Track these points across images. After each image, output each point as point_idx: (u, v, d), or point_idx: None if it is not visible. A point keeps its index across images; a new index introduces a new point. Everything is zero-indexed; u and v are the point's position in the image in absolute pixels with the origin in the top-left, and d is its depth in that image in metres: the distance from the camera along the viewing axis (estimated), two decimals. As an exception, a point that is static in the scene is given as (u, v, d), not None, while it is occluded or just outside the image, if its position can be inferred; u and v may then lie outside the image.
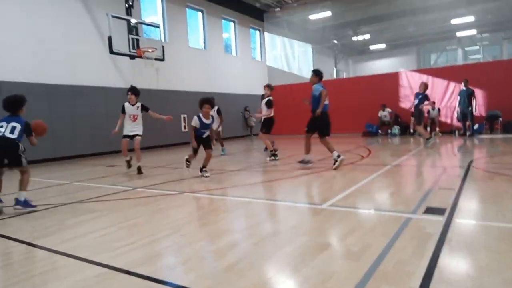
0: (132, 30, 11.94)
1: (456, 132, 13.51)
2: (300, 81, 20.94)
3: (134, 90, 7.58)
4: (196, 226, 3.79)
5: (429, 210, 3.72)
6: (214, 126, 9.27)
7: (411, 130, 14.42)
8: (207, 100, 6.45)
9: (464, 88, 12.58)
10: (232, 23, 19.50)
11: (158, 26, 12.99)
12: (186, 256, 2.89)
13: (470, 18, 21.99)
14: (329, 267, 2.50)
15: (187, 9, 16.33)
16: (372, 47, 30.87)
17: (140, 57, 12.04)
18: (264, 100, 9.12)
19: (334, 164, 6.75)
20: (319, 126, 6.97)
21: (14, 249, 3.33)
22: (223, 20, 18.62)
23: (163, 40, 14.10)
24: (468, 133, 12.65)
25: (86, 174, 7.62)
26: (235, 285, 2.32)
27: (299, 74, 24.39)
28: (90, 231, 3.72)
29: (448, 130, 14.13)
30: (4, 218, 4.40)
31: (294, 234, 3.28)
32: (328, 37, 26.72)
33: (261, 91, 9.58)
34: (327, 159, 8.40)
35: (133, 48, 11.87)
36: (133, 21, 11.95)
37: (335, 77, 29.19)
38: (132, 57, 12.10)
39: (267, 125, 9.04)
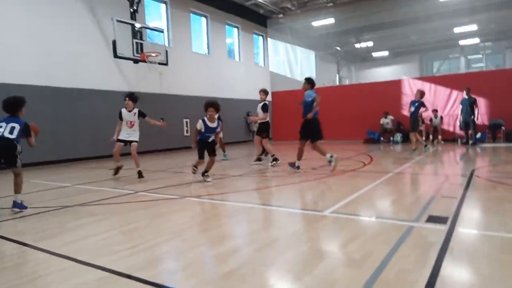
0: (137, 34, 12.01)
1: (459, 141, 13.49)
2: (301, 88, 21.00)
3: (131, 96, 7.56)
4: (197, 231, 3.79)
5: (431, 219, 3.70)
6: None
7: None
8: (211, 103, 6.35)
9: (466, 97, 12.58)
10: (235, 29, 19.60)
11: (162, 31, 13.08)
12: (187, 261, 2.89)
13: (473, 27, 22.05)
14: (331, 275, 2.49)
15: (191, 14, 16.43)
16: (374, 54, 30.94)
17: (144, 61, 12.10)
18: (260, 105, 9.21)
19: (330, 164, 7.01)
20: (311, 131, 7.19)
21: (15, 251, 3.33)
22: (226, 26, 18.72)
23: (167, 44, 14.19)
24: (470, 141, 12.63)
25: (87, 177, 7.63)
26: (236, 291, 2.31)
27: (301, 80, 24.32)
28: (91, 234, 3.72)
29: (450, 138, 14.11)
30: (5, 220, 4.41)
31: (296, 241, 3.27)
32: (331, 44, 26.80)
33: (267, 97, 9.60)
34: (328, 165, 8.39)
35: (137, 52, 11.93)
36: (138, 25, 12.03)
37: (337, 83, 29.23)
38: (135, 61, 12.16)
39: (265, 130, 9.14)
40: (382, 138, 15.51)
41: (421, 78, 16.80)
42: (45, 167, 10.43)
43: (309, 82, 7.48)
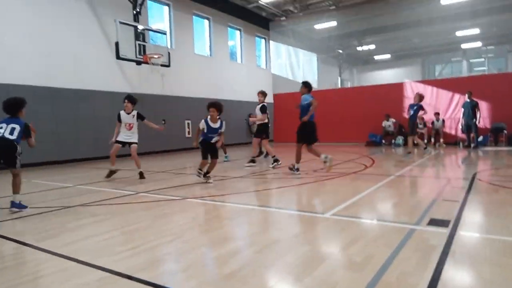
0: (139, 36, 12.06)
1: (461, 144, 13.46)
2: (305, 90, 20.99)
3: (130, 98, 7.56)
4: (198, 232, 3.79)
5: (433, 222, 3.69)
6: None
7: (415, 141, 14.38)
8: (212, 104, 6.42)
9: (468, 100, 12.58)
10: (238, 31, 19.64)
11: (165, 33, 13.11)
12: (188, 262, 2.89)
13: (475, 31, 22.03)
14: (331, 277, 2.48)
15: (193, 16, 16.48)
16: (377, 57, 30.92)
17: (146, 63, 12.14)
18: (258, 106, 9.31)
19: (325, 164, 7.23)
20: (307, 134, 7.38)
21: (16, 250, 3.34)
22: (229, 28, 18.76)
23: (169, 46, 14.22)
24: (472, 145, 12.61)
25: (89, 178, 7.64)
26: (236, 292, 2.31)
27: (303, 82, 24.39)
28: (92, 234, 3.72)
29: (452, 142, 14.09)
30: (6, 220, 4.42)
31: (296, 243, 3.27)
32: (333, 47, 26.81)
33: (266, 98, 9.67)
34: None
35: (140, 54, 11.97)
36: (140, 27, 12.08)
37: (339, 86, 29.24)
38: (138, 62, 12.20)
39: (264, 131, 9.25)
40: (384, 141, 15.50)
41: (423, 81, 16.78)
42: (47, 167, 10.45)
43: (306, 86, 7.62)
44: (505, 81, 14.04)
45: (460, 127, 13.25)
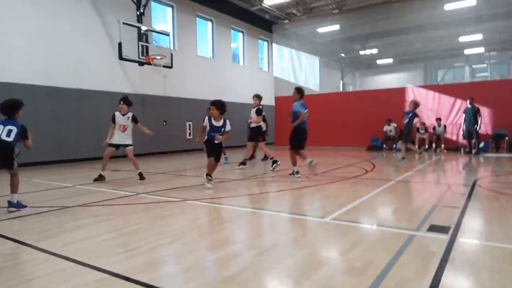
0: (142, 37, 12.09)
1: (462, 150, 13.44)
2: (306, 93, 21.02)
3: (126, 100, 7.50)
4: (198, 234, 3.78)
5: (433, 228, 3.68)
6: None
7: (416, 146, 14.36)
8: (212, 102, 6.31)
9: (470, 106, 12.57)
10: (240, 34, 19.68)
11: (168, 34, 13.14)
12: (187, 264, 2.88)
13: (478, 36, 22.04)
14: (331, 282, 2.47)
15: (197, 18, 16.52)
16: (379, 61, 30.95)
17: (149, 64, 12.16)
18: (254, 109, 9.41)
19: (309, 165, 7.48)
20: (299, 139, 7.57)
21: (15, 250, 3.34)
22: (232, 30, 18.80)
23: (172, 47, 14.26)
24: (473, 151, 12.58)
25: (89, 178, 7.64)
26: (234, 296, 2.30)
27: (305, 85, 24.45)
28: (91, 235, 3.72)
29: (453, 147, 14.06)
30: (5, 219, 4.42)
31: (296, 247, 3.26)
32: (335, 50, 26.84)
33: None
34: (331, 171, 8.39)
35: (142, 54, 12.00)
36: (144, 28, 12.11)
37: (341, 90, 29.25)
38: (140, 63, 12.22)
39: (259, 134, 9.38)
40: (385, 146, 15.48)
41: (425, 86, 16.77)
42: (47, 167, 10.46)
43: (299, 92, 7.71)
44: (507, 88, 14.03)
45: (462, 133, 13.23)
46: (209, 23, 17.54)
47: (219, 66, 17.81)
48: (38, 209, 4.90)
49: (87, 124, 11.93)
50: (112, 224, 4.17)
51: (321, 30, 20.51)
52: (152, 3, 14.11)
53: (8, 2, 10.12)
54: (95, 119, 12.07)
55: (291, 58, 23.74)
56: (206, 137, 6.42)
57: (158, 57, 12.18)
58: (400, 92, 16.21)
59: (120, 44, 11.19)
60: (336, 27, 19.87)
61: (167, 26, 15.23)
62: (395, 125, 15.42)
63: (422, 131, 14.51)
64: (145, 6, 12.70)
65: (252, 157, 10.55)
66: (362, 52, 27.30)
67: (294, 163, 7.58)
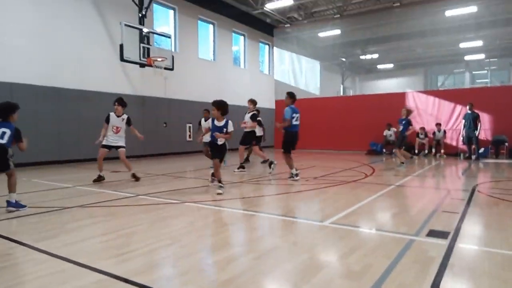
0: (144, 39, 12.11)
1: (461, 155, 13.45)
2: (307, 97, 21.05)
3: (121, 101, 7.47)
4: (196, 237, 3.78)
5: (432, 233, 3.68)
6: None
7: (416, 151, 14.40)
8: (213, 102, 6.23)
9: (470, 112, 12.60)
10: (242, 37, 19.74)
11: (169, 37, 13.18)
12: (185, 267, 2.88)
13: (479, 43, 22.11)
14: (329, 286, 2.47)
15: (198, 21, 16.57)
16: (379, 66, 31.01)
17: (150, 65, 12.18)
18: (249, 114, 9.55)
19: (290, 177, 7.59)
20: (291, 143, 7.73)
21: (13, 250, 3.33)
22: (233, 34, 18.86)
23: (173, 50, 14.30)
24: (473, 156, 12.59)
25: (89, 179, 7.63)
26: (233, 299, 2.30)
27: (305, 89, 24.51)
28: (90, 236, 3.72)
29: (453, 153, 14.07)
30: (4, 219, 4.41)
31: (295, 251, 3.26)
32: (336, 55, 26.91)
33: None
34: (330, 175, 8.39)
35: (144, 56, 12.01)
36: (145, 30, 12.14)
37: (341, 94, 29.30)
38: (142, 65, 12.24)
39: (253, 138, 9.52)
40: (384, 150, 15.49)
41: (426, 92, 16.81)
42: (48, 167, 10.45)
43: (291, 96, 7.87)
44: (507, 94, 14.06)
45: (461, 138, 13.25)
46: (211, 26, 17.60)
47: (220, 69, 17.85)
48: (37, 209, 4.90)
49: (88, 124, 11.92)
50: (112, 225, 4.17)
51: (322, 34, 20.58)
52: (154, 5, 14.16)
53: (9, 2, 10.15)
54: (95, 119, 12.05)
55: (291, 61, 23.79)
56: (210, 139, 6.37)
57: (159, 59, 12.20)
58: (400, 97, 16.24)
59: (121, 46, 11.21)
60: (337, 31, 19.95)
61: (169, 28, 15.28)
62: (395, 129, 15.41)
63: (422, 136, 14.53)
64: (147, 8, 12.74)
65: (247, 160, 10.58)
66: (362, 57, 27.37)
67: (291, 166, 7.65)
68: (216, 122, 6.21)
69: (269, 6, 17.23)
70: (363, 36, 23.15)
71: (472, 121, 12.45)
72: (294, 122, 7.69)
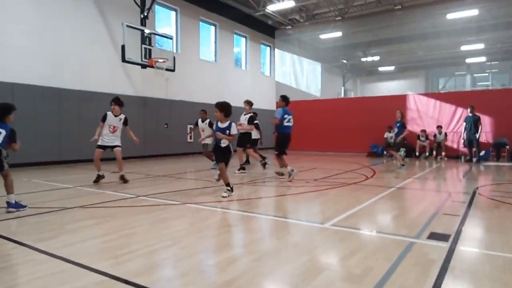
0: (146, 40, 12.14)
1: (462, 158, 13.43)
2: (308, 98, 21.07)
3: (118, 101, 7.43)
4: (197, 238, 3.77)
5: (433, 236, 3.67)
6: (205, 135, 9.63)
7: (417, 153, 14.39)
8: (215, 104, 6.11)
9: (470, 114, 12.59)
10: (243, 38, 19.77)
11: (171, 38, 13.20)
12: (186, 268, 2.87)
13: (480, 46, 22.13)
14: (330, 288, 2.47)
15: (200, 22, 16.61)
16: (381, 68, 31.04)
17: (152, 66, 12.20)
18: (246, 116, 9.53)
19: (283, 174, 7.91)
20: (284, 145, 7.87)
21: (13, 251, 3.32)
22: (234, 35, 18.89)
23: (175, 51, 14.31)
24: (474, 159, 12.58)
25: (89, 179, 7.63)
26: (233, 301, 2.29)
27: (307, 91, 24.55)
28: (90, 237, 3.72)
29: (454, 155, 14.05)
30: (4, 220, 4.41)
31: (295, 253, 3.25)
32: (337, 57, 26.95)
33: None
34: (331, 177, 8.39)
35: (145, 57, 12.04)
36: (147, 31, 12.16)
37: (342, 96, 29.31)
38: (143, 66, 12.26)
39: (248, 140, 9.58)
40: (385, 152, 15.46)
41: (427, 94, 16.80)
42: (48, 168, 10.46)
43: (284, 99, 8.06)
44: (508, 97, 14.05)
45: (462, 141, 13.24)
46: (212, 27, 17.63)
47: (221, 70, 17.88)
48: (38, 209, 4.90)
49: (88, 125, 11.90)
50: (112, 226, 4.17)
51: (323, 36, 20.60)
52: (156, 6, 14.19)
53: (10, 2, 10.17)
54: (96, 120, 11.93)
55: (293, 63, 23.83)
56: (215, 142, 6.29)
57: (161, 60, 12.23)
58: (401, 100, 16.23)
59: (123, 47, 11.22)
60: (339, 33, 19.96)
61: (171, 30, 15.31)
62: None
63: (422, 139, 14.52)
64: (149, 9, 12.77)
65: (247, 162, 10.58)
66: (364, 59, 27.40)
67: (285, 166, 7.83)
68: (219, 124, 6.12)
69: (270, 8, 17.25)
70: (364, 39, 23.19)
71: (473, 124, 12.44)
72: (286, 123, 7.81)
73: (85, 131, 11.85)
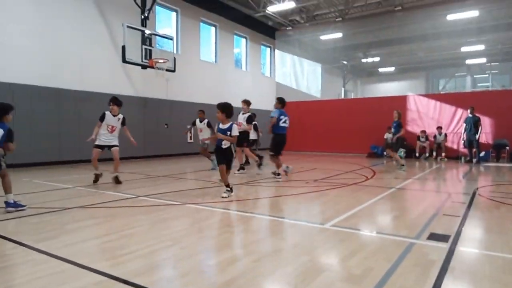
0: (146, 40, 12.14)
1: (462, 159, 13.43)
2: (308, 99, 21.08)
3: (116, 101, 7.40)
4: (197, 238, 3.77)
5: (433, 236, 3.67)
6: (204, 136, 9.73)
7: (417, 154, 14.39)
8: (217, 105, 6.06)
9: (470, 115, 12.60)
10: (243, 39, 19.78)
11: (171, 38, 13.20)
12: (185, 269, 2.87)
13: (481, 47, 22.15)
14: (329, 289, 2.47)
15: (200, 23, 16.62)
16: (381, 69, 31.08)
17: (152, 67, 12.21)
18: (245, 116, 9.60)
19: (284, 172, 8.04)
20: (279, 145, 7.99)
21: (13, 251, 3.33)
22: (235, 36, 18.90)
23: (175, 52, 14.31)
24: (474, 160, 12.58)
25: (89, 179, 7.64)
26: (233, 301, 2.29)
27: (307, 92, 24.57)
28: (90, 237, 3.72)
29: (454, 156, 14.05)
30: (4, 220, 4.42)
31: (295, 253, 3.25)
32: (338, 58, 26.98)
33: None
34: (331, 178, 8.38)
35: (146, 58, 12.04)
36: (148, 32, 12.17)
37: (343, 97, 29.32)
38: (143, 67, 12.27)
39: (245, 139, 9.55)
40: (385, 153, 15.46)
41: (427, 95, 16.80)
42: (48, 168, 10.46)
43: (280, 101, 8.18)
44: (508, 98, 14.04)
45: (462, 142, 13.25)
46: (213, 28, 17.64)
47: (222, 71, 17.89)
48: (38, 210, 4.90)
49: (88, 125, 11.88)
50: (112, 226, 4.17)
51: (323, 37, 20.62)
52: (157, 7, 14.20)
53: (10, 2, 10.17)
54: (96, 120, 12.04)
55: (293, 64, 23.85)
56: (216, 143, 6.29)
57: (161, 61, 12.23)
58: (401, 100, 16.23)
59: (123, 47, 11.23)
60: (339, 34, 19.99)
61: (171, 30, 15.32)
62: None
63: (423, 139, 14.52)
64: (149, 10, 12.78)
65: (246, 162, 10.58)
66: (364, 60, 27.43)
67: (279, 165, 7.96)
68: (221, 125, 6.07)
69: (271, 9, 17.26)
70: (364, 40, 23.21)
71: (473, 125, 12.44)
72: (282, 124, 7.91)
73: (85, 131, 11.83)
